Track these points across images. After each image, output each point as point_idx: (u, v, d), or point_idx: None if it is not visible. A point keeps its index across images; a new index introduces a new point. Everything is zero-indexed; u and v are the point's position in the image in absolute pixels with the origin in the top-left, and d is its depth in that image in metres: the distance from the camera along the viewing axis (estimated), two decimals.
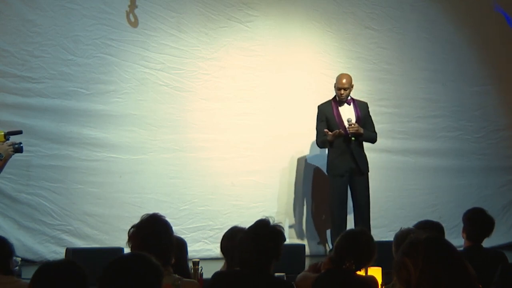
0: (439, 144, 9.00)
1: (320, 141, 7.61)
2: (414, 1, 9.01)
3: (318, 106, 7.66)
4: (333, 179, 7.54)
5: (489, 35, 9.33)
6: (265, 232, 3.74)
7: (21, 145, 5.23)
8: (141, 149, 7.74)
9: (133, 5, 7.75)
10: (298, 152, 8.37)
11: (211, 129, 8.03)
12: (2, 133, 5.21)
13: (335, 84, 7.58)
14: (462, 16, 9.24)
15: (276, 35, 8.37)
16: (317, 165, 8.38)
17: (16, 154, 5.26)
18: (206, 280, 4.90)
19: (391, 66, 8.85)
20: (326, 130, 7.43)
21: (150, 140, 7.78)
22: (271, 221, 3.80)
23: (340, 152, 7.48)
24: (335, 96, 7.61)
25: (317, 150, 8.33)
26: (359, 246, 4.04)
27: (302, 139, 8.28)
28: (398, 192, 8.72)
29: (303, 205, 8.37)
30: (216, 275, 3.89)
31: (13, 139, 5.23)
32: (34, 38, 7.33)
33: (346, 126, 7.43)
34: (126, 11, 7.74)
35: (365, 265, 4.10)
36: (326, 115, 7.56)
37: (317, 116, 7.63)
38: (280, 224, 3.86)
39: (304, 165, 8.40)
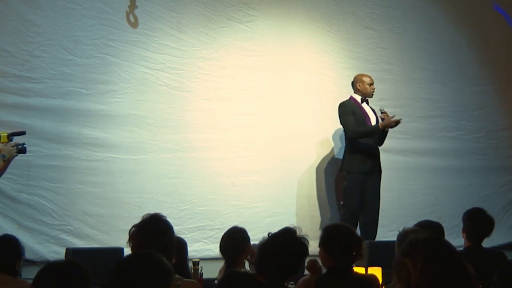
0: (439, 144, 9.00)
1: (363, 130, 7.46)
2: (414, 1, 9.01)
3: (342, 103, 7.67)
4: (352, 176, 7.50)
5: (489, 35, 9.33)
6: (290, 243, 3.65)
7: (24, 145, 5.24)
8: (141, 149, 7.73)
9: (133, 5, 7.74)
10: (298, 152, 8.35)
11: (211, 129, 8.02)
12: (6, 134, 5.22)
13: (360, 84, 7.66)
14: (462, 16, 9.24)
15: (276, 35, 8.37)
16: (317, 165, 8.38)
17: None
18: (206, 280, 4.92)
19: (391, 66, 8.85)
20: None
21: (150, 140, 7.78)
22: (298, 232, 3.72)
23: (365, 150, 7.48)
24: (350, 97, 7.68)
25: (317, 150, 8.35)
26: (346, 238, 4.03)
27: (302, 139, 8.28)
28: (398, 192, 8.71)
29: (303, 205, 8.35)
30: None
31: (16, 139, 5.24)
32: (34, 38, 7.32)
33: (379, 116, 7.49)
34: (126, 11, 7.73)
35: (360, 250, 4.05)
36: (354, 110, 7.57)
37: (345, 110, 7.60)
38: (306, 237, 3.77)
39: (304, 165, 8.39)
